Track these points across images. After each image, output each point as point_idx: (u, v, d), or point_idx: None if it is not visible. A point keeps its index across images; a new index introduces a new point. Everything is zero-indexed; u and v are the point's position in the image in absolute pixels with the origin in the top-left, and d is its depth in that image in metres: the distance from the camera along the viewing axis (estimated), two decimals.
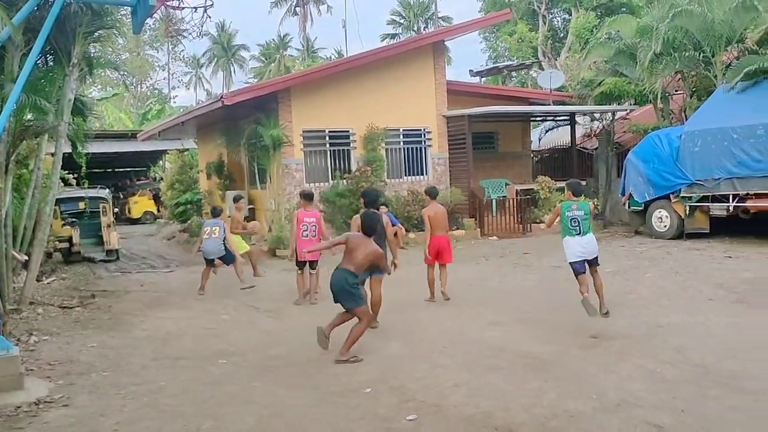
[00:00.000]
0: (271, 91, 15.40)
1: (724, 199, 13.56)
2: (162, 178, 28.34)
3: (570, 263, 8.16)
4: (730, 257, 11.76)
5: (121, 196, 30.86)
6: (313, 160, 15.97)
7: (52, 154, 10.77)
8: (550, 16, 32.52)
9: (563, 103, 19.82)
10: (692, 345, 6.54)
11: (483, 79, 27.38)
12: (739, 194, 13.31)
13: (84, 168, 18.06)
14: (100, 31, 10.68)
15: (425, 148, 17.40)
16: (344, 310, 6.81)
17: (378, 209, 8.38)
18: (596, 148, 19.85)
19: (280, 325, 8.53)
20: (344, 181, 15.67)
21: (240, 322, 8.79)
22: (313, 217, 9.51)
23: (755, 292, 8.88)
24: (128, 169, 34.17)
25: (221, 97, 14.76)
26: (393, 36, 53.65)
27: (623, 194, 15.77)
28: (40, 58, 10.33)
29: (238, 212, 12.04)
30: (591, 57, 19.53)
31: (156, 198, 29.36)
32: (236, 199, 12.30)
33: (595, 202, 17.70)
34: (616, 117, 19.29)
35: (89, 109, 13.96)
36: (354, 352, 6.59)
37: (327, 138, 16.07)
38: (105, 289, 11.65)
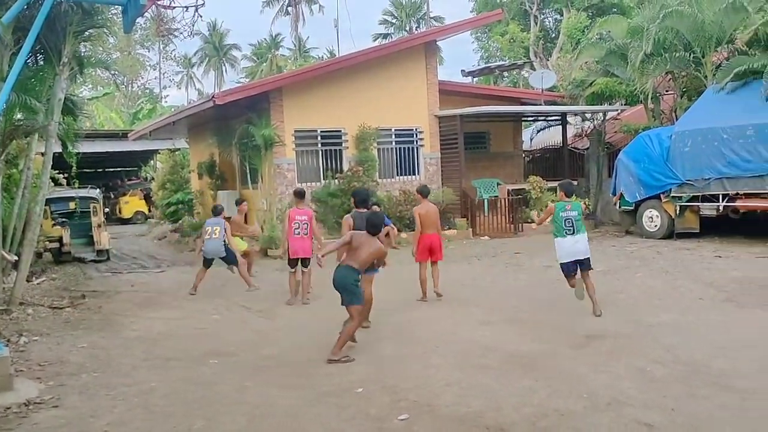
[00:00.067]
0: (263, 90, 15.37)
1: (714, 199, 13.64)
2: (153, 178, 28.25)
3: (561, 264, 8.25)
4: (719, 257, 11.84)
5: (112, 196, 30.75)
6: (305, 159, 15.96)
7: (42, 154, 10.72)
8: (542, 16, 32.63)
9: (555, 103, 19.88)
10: (682, 344, 6.58)
11: (475, 79, 27.44)
12: (728, 194, 13.40)
13: (74, 168, 17.95)
14: (90, 30, 10.64)
15: (417, 148, 17.41)
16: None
17: (369, 209, 8.39)
18: (587, 148, 19.92)
19: (272, 325, 8.52)
20: (336, 180, 15.66)
21: (231, 322, 8.77)
22: (305, 215, 9.50)
23: (744, 291, 8.94)
24: (119, 169, 34.04)
25: (213, 97, 14.72)
26: (385, 36, 53.71)
27: (614, 194, 15.84)
28: (30, 57, 10.29)
29: (240, 215, 12.03)
30: (582, 57, 19.62)
31: (147, 198, 29.27)
32: (238, 202, 12.27)
33: (587, 202, 17.77)
34: (607, 117, 19.37)
35: (80, 109, 13.89)
36: (345, 351, 6.60)
37: (319, 138, 16.06)
38: (95, 289, 11.60)
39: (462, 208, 17.02)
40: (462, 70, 26.06)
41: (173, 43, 51.65)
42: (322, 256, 7.01)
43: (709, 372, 5.71)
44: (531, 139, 22.49)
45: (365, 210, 8.06)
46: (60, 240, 14.99)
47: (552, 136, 21.49)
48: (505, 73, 31.25)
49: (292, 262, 9.54)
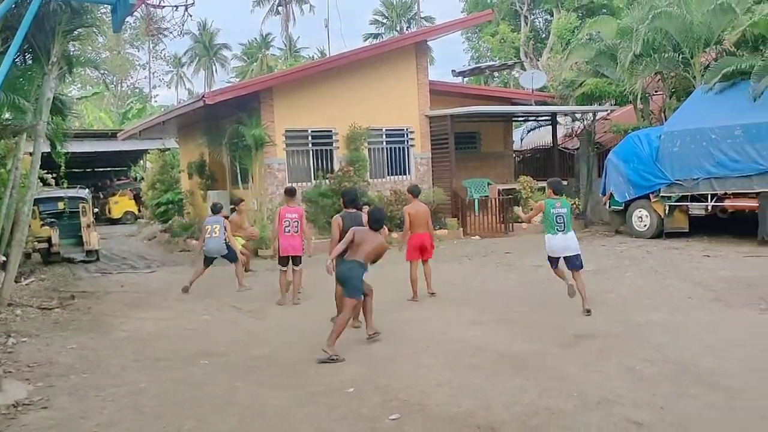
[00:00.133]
0: (253, 90, 15.33)
1: (702, 198, 13.73)
2: (143, 178, 28.11)
3: (549, 258, 8.51)
4: (708, 256, 11.92)
5: (101, 196, 30.53)
6: (296, 159, 15.93)
7: (31, 154, 10.64)
8: (532, 16, 32.71)
9: (545, 104, 19.94)
10: (671, 343, 6.62)
11: (465, 79, 27.49)
12: (717, 194, 13.49)
13: (63, 168, 17.85)
14: (79, 30, 10.58)
15: (408, 148, 17.42)
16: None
17: (359, 209, 8.41)
18: (577, 148, 20.01)
19: (262, 325, 8.51)
20: (327, 180, 15.64)
21: (222, 323, 8.75)
22: (295, 213, 9.50)
23: (732, 290, 9.01)
24: (108, 169, 33.83)
25: (203, 97, 14.66)
26: (376, 36, 53.72)
27: (604, 194, 15.91)
28: (19, 56, 10.22)
29: (238, 215, 12.00)
30: (572, 58, 19.70)
31: (137, 198, 29.11)
32: (236, 202, 12.25)
33: (576, 202, 17.85)
34: (597, 117, 19.46)
35: (69, 108, 13.81)
36: (337, 350, 6.59)
37: (309, 138, 16.03)
38: (85, 290, 11.53)
39: (453, 208, 17.05)
40: (453, 70, 26.13)
41: (163, 42, 51.53)
42: (332, 260, 7.10)
43: (698, 371, 5.75)
44: (521, 139, 22.56)
45: (354, 210, 8.11)
46: (49, 240, 14.89)
47: (542, 137, 21.56)
48: (496, 74, 31.33)
49: (283, 261, 9.53)
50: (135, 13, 9.89)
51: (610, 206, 15.87)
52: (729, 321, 7.54)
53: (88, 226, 15.75)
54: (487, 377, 5.84)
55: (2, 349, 7.17)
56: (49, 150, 13.29)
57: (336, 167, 16.02)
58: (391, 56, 16.98)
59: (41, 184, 14.78)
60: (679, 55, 15.72)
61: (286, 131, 15.59)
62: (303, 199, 14.96)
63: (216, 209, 11.23)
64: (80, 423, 5.14)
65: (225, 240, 10.81)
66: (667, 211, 14.27)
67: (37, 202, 13.48)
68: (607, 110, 20.03)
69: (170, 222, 20.08)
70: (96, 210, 22.43)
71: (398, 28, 53.52)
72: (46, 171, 16.67)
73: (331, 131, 16.21)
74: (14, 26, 8.39)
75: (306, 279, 9.88)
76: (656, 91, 18.65)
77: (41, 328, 8.39)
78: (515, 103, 20.24)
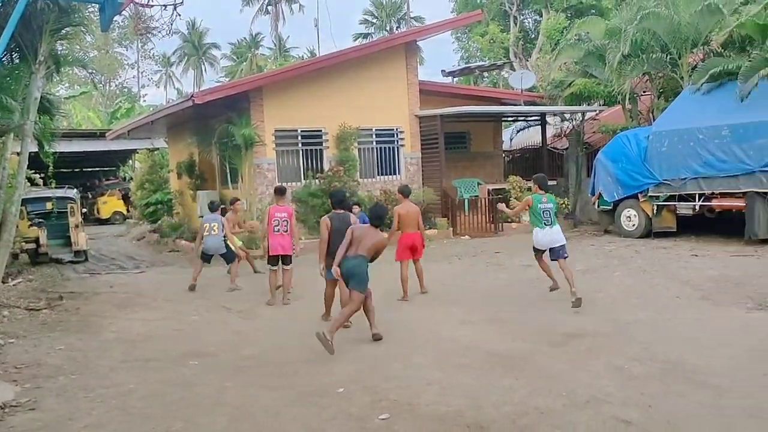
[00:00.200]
0: (243, 90, 15.29)
1: (690, 198, 13.81)
2: (131, 178, 27.98)
3: (534, 249, 8.93)
4: (696, 255, 12.00)
5: (90, 196, 30.39)
6: (286, 159, 15.90)
7: (18, 154, 10.58)
8: (521, 17, 32.79)
9: (534, 104, 20.01)
10: (659, 342, 6.66)
11: (455, 79, 27.54)
12: (704, 194, 13.57)
13: (51, 167, 17.76)
14: (67, 29, 10.54)
15: (398, 148, 17.43)
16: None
17: (349, 209, 8.44)
18: (566, 148, 20.08)
19: (252, 326, 8.49)
20: (317, 180, 15.62)
21: (211, 323, 8.72)
22: (284, 212, 9.47)
23: (720, 289, 9.07)
24: (97, 169, 33.67)
25: (192, 96, 14.62)
26: (365, 36, 53.71)
27: (593, 194, 15.98)
28: (5, 55, 10.16)
29: (234, 214, 11.97)
30: (561, 58, 19.76)
31: (125, 198, 28.98)
32: (232, 201, 12.22)
33: (566, 202, 17.93)
34: (585, 117, 19.53)
35: (56, 108, 13.75)
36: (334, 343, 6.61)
37: (299, 137, 16.01)
38: (73, 290, 11.45)
39: (442, 208, 17.07)
40: (442, 71, 26.19)
41: (151, 41, 51.24)
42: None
43: (685, 369, 5.79)
44: (511, 139, 22.61)
45: (342, 211, 8.12)
46: (36, 241, 14.79)
47: (531, 137, 21.63)
48: (485, 74, 31.40)
49: (272, 260, 9.50)
50: (123, 12, 9.87)
51: (598, 206, 15.94)
52: (716, 320, 7.59)
53: (77, 226, 15.66)
54: (476, 377, 5.85)
55: None
56: (36, 150, 13.21)
57: (326, 167, 16.00)
58: (381, 56, 16.98)
59: (29, 184, 14.70)
60: (667, 55, 15.82)
61: (275, 131, 15.56)
62: (293, 199, 14.94)
63: (213, 207, 11.24)
64: (68, 424, 5.11)
65: (224, 238, 10.83)
66: (655, 211, 14.34)
67: (24, 202, 13.40)
68: (595, 110, 20.11)
69: (159, 222, 20.01)
70: (84, 210, 22.28)
71: (388, 28, 53.53)
72: (33, 171, 16.58)
73: (320, 131, 16.19)
74: (1, 25, 8.34)
75: (296, 279, 9.87)
76: (644, 92, 18.75)
77: (29, 329, 8.33)
78: (505, 103, 20.29)
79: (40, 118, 11.79)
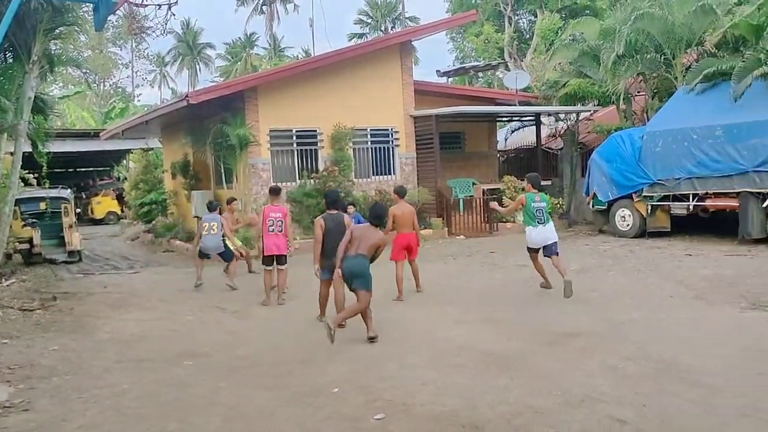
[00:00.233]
0: (238, 90, 15.26)
1: (684, 198, 13.85)
2: (126, 178, 27.90)
3: (528, 248, 9.11)
4: (690, 255, 12.03)
5: (84, 196, 30.31)
6: (280, 159, 15.88)
7: (12, 153, 10.55)
8: (516, 17, 32.83)
9: (529, 104, 20.04)
10: (653, 341, 6.68)
11: (450, 80, 27.54)
12: (698, 194, 13.61)
13: (45, 167, 17.68)
14: (61, 28, 10.52)
15: (393, 148, 17.43)
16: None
17: (344, 210, 8.47)
18: (561, 148, 20.12)
19: (246, 326, 8.48)
20: (312, 180, 15.62)
21: (205, 323, 8.71)
22: (279, 212, 9.46)
23: (713, 288, 9.10)
24: (91, 169, 33.57)
25: (186, 96, 14.58)
26: (360, 36, 53.71)
27: (587, 194, 16.01)
28: None
29: (231, 213, 11.96)
30: (556, 58, 19.83)
31: (120, 198, 28.91)
32: (229, 201, 12.21)
33: (560, 202, 17.96)
34: (580, 117, 19.57)
35: (50, 108, 13.73)
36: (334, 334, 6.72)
37: (294, 137, 15.99)
38: (67, 291, 11.42)
39: (438, 208, 17.08)
40: (437, 71, 26.18)
41: (146, 41, 51.11)
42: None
43: (679, 369, 5.81)
44: (505, 139, 22.66)
45: (336, 211, 8.17)
46: (30, 241, 14.73)
47: (526, 137, 21.66)
48: (480, 74, 31.45)
49: (267, 260, 9.49)
50: (117, 12, 9.84)
51: (593, 206, 15.97)
52: (710, 319, 7.62)
53: (71, 226, 15.61)
54: (471, 376, 5.86)
55: None
56: (30, 150, 13.18)
57: (321, 167, 15.99)
58: (376, 56, 16.98)
59: (22, 184, 14.62)
60: (661, 56, 15.87)
61: (270, 131, 15.54)
62: (288, 199, 14.92)
63: (212, 207, 11.25)
64: (62, 425, 5.10)
65: (222, 237, 10.83)
66: (649, 211, 14.38)
67: (18, 202, 13.37)
68: (590, 110, 20.17)
69: (154, 222, 19.95)
70: (78, 210, 22.29)
71: (383, 28, 53.50)
72: (27, 171, 16.53)
73: (315, 131, 16.17)
74: None
75: (291, 279, 9.86)
76: (638, 92, 18.81)
77: (22, 330, 8.30)
78: (499, 103, 20.31)
79: (33, 117, 11.77)
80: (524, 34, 33.14)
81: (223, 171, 16.23)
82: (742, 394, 5.16)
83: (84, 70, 19.93)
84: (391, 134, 17.37)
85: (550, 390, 5.37)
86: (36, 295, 10.88)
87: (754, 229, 12.59)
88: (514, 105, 19.64)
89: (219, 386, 5.92)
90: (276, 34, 58.47)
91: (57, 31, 10.41)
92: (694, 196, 13.66)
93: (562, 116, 20.02)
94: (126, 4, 8.97)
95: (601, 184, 15.28)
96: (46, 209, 16.25)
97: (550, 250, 8.94)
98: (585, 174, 16.57)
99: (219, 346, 7.37)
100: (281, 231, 9.38)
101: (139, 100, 52.48)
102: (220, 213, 11.67)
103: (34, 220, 15.27)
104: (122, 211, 28.42)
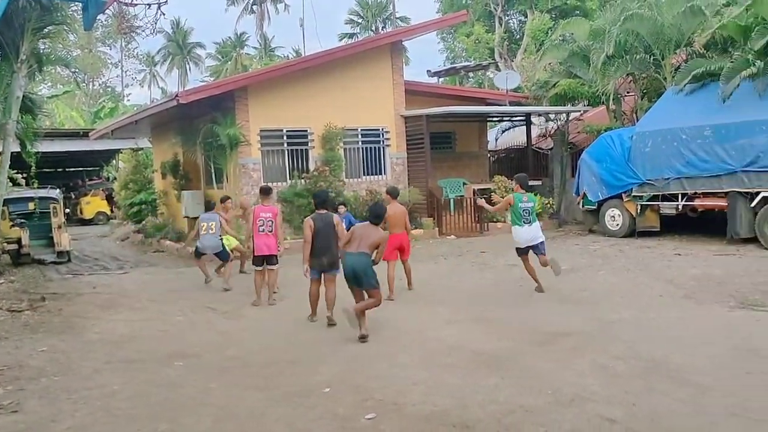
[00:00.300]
0: (228, 89, 15.22)
1: (673, 198, 13.93)
2: (115, 178, 27.76)
3: (517, 249, 9.27)
4: (679, 254, 12.10)
5: (73, 197, 30.15)
6: (271, 159, 15.85)
7: (0, 153, 10.47)
8: (506, 17, 32.93)
9: (519, 104, 20.09)
10: (643, 340, 6.71)
11: (441, 80, 27.58)
12: (687, 193, 13.69)
13: (34, 167, 17.56)
14: (50, 27, 10.45)
15: (383, 148, 17.43)
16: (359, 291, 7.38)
17: (334, 210, 8.48)
18: (551, 148, 20.18)
19: (237, 326, 8.45)
20: (302, 180, 15.59)
21: (196, 324, 8.67)
22: (269, 212, 9.44)
23: (702, 288, 9.16)
24: (80, 169, 33.38)
25: (176, 96, 14.52)
26: (351, 36, 53.72)
27: (577, 194, 16.08)
28: None
29: (225, 212, 11.91)
30: (546, 59, 19.89)
31: (109, 198, 28.78)
32: (223, 200, 12.16)
33: (551, 201, 18.01)
34: (570, 118, 19.63)
35: (39, 107, 13.63)
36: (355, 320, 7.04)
37: (285, 137, 15.96)
38: (56, 291, 11.34)
39: (428, 208, 17.10)
40: (428, 71, 26.20)
41: (135, 40, 50.89)
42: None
43: (669, 368, 5.84)
44: (496, 140, 22.70)
45: (325, 211, 8.19)
46: (18, 241, 14.63)
47: (516, 137, 21.72)
48: (471, 74, 31.52)
49: (257, 260, 9.46)
50: (107, 11, 9.79)
51: (583, 206, 16.03)
52: (699, 318, 7.66)
53: (59, 226, 15.51)
54: (462, 376, 5.87)
55: None
56: (19, 149, 13.09)
57: (311, 167, 15.97)
58: (367, 56, 16.97)
59: (11, 184, 14.52)
60: (650, 56, 15.96)
61: (261, 131, 15.50)
62: (278, 199, 14.88)
63: (210, 206, 11.23)
64: (51, 427, 5.07)
65: (221, 237, 10.81)
66: (639, 211, 14.46)
67: (6, 202, 13.28)
68: (580, 111, 20.24)
69: (143, 222, 19.87)
70: (67, 210, 22.13)
71: (373, 28, 53.54)
72: (15, 171, 16.40)
73: (306, 131, 16.15)
74: None
75: (281, 279, 9.85)
76: (628, 92, 18.89)
77: (11, 331, 8.24)
78: (490, 103, 20.35)
79: (22, 117, 11.69)
80: (514, 34, 33.25)
81: (213, 171, 16.17)
82: (730, 393, 5.19)
83: (73, 70, 19.83)
84: (382, 134, 17.37)
85: (540, 389, 5.39)
86: (24, 295, 10.81)
87: (742, 229, 12.68)
88: (505, 105, 19.68)
89: (209, 387, 5.90)
90: (266, 33, 58.46)
91: (46, 30, 10.35)
92: (683, 195, 13.75)
93: (552, 116, 20.07)
94: (115, 3, 8.93)
95: (591, 184, 15.34)
96: (34, 209, 16.14)
97: (539, 250, 9.16)
98: (575, 174, 16.63)
99: (209, 347, 7.34)
100: (271, 231, 9.36)
101: (128, 100, 52.25)
102: (223, 209, 11.66)
103: (22, 221, 15.16)
104: (112, 211, 28.30)
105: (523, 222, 9.07)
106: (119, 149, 25.79)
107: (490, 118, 21.43)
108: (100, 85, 54.67)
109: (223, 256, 11.00)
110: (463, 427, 4.75)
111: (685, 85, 14.45)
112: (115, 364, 6.78)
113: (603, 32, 16.49)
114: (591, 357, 6.23)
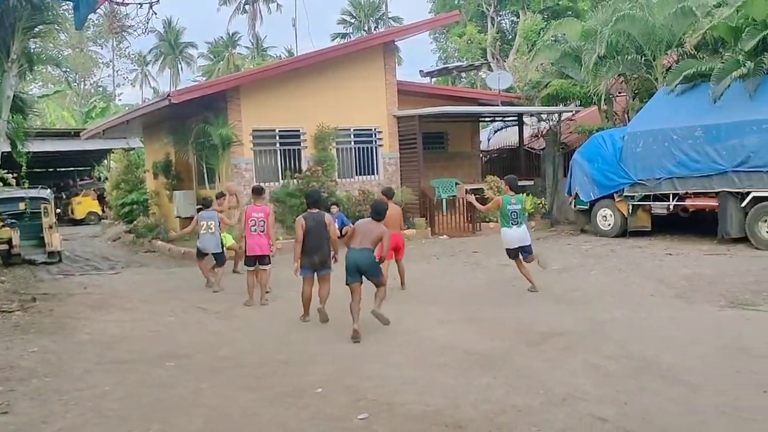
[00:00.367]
0: (220, 89, 15.19)
1: (664, 198, 14.00)
2: (107, 178, 27.64)
3: (507, 250, 9.43)
4: (670, 254, 12.16)
5: (64, 197, 29.99)
6: (263, 159, 15.82)
7: None
8: (499, 18, 32.97)
9: (511, 104, 20.13)
10: (634, 340, 6.74)
11: (433, 80, 27.60)
12: (678, 193, 13.76)
13: (24, 167, 17.49)
14: (40, 26, 10.41)
15: (376, 148, 17.42)
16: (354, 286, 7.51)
17: (326, 209, 8.48)
18: (543, 149, 20.23)
19: (229, 326, 8.42)
20: (295, 180, 15.57)
21: (187, 324, 8.64)
22: (261, 212, 9.41)
23: (693, 287, 9.21)
24: (71, 169, 33.19)
25: (168, 96, 14.48)
26: (343, 35, 53.71)
27: (569, 193, 16.12)
28: None
29: (219, 207, 11.84)
30: (538, 59, 19.93)
31: (100, 198, 28.64)
32: (218, 196, 12.09)
33: (543, 201, 18.06)
34: (562, 118, 19.69)
35: (29, 107, 13.58)
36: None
37: (277, 137, 15.94)
38: (46, 292, 11.28)
39: (421, 208, 17.11)
40: (420, 71, 26.19)
41: (127, 40, 50.61)
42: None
43: (660, 367, 5.87)
44: (488, 140, 22.73)
45: (317, 211, 8.21)
46: (9, 242, 14.53)
47: (509, 137, 21.75)
48: (463, 74, 31.50)
49: (250, 261, 9.44)
50: (98, 10, 9.75)
51: (575, 206, 16.08)
52: (690, 318, 7.70)
53: (50, 227, 15.42)
54: (455, 376, 5.87)
55: None
56: (9, 149, 13.01)
57: (304, 167, 15.95)
58: (359, 56, 16.97)
59: (1, 184, 14.45)
60: (641, 57, 16.03)
61: (253, 131, 15.48)
62: (271, 199, 14.87)
63: (207, 203, 11.11)
64: (42, 428, 5.04)
65: (220, 237, 10.76)
66: (630, 211, 14.52)
67: None
68: (572, 111, 20.29)
69: (135, 223, 19.76)
70: (58, 210, 22.03)
71: (366, 28, 53.54)
72: (6, 171, 16.34)
73: (298, 131, 16.13)
74: None
75: (274, 279, 9.83)
76: (620, 93, 18.97)
77: (1, 332, 8.19)
78: (482, 103, 20.38)
79: (12, 117, 11.63)
80: (507, 34, 33.29)
81: (205, 171, 16.13)
82: (721, 392, 5.22)
83: (64, 69, 19.77)
84: (375, 134, 17.36)
85: (532, 389, 5.40)
86: (15, 296, 10.74)
87: (732, 229, 12.75)
88: (497, 105, 19.71)
89: (201, 387, 5.88)
90: (259, 33, 58.34)
91: (36, 29, 10.31)
92: (675, 195, 13.81)
93: (544, 116, 20.12)
94: (107, 2, 8.89)
95: (583, 184, 15.39)
96: (25, 209, 16.04)
97: (527, 252, 9.33)
98: (567, 174, 16.68)
99: (201, 347, 7.32)
100: (263, 231, 9.34)
101: (120, 100, 52.08)
102: (218, 205, 11.60)
103: (13, 221, 15.06)
104: (103, 211, 28.15)
105: (512, 224, 9.21)
106: (111, 149, 25.70)
107: (483, 119, 21.47)
108: (91, 84, 54.49)
109: (219, 258, 10.93)
110: (456, 426, 4.75)
111: (676, 86, 14.51)
112: (106, 365, 6.75)
113: (595, 33, 16.54)
114: (583, 356, 6.25)
